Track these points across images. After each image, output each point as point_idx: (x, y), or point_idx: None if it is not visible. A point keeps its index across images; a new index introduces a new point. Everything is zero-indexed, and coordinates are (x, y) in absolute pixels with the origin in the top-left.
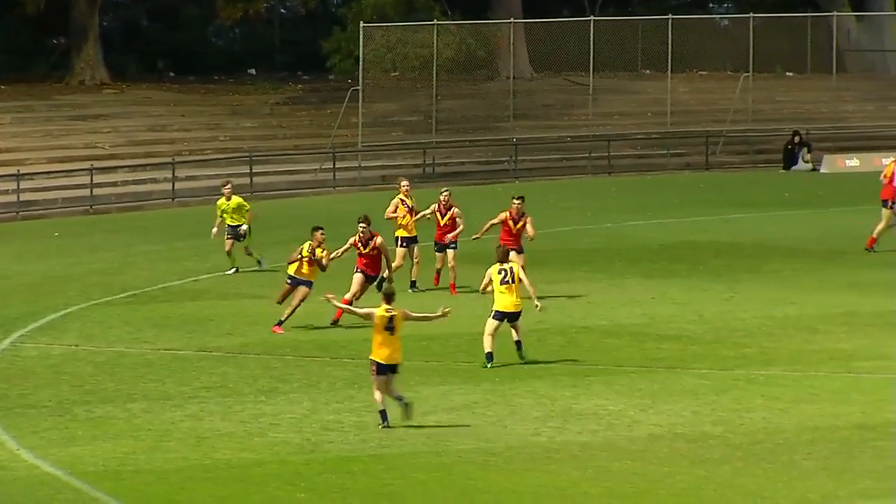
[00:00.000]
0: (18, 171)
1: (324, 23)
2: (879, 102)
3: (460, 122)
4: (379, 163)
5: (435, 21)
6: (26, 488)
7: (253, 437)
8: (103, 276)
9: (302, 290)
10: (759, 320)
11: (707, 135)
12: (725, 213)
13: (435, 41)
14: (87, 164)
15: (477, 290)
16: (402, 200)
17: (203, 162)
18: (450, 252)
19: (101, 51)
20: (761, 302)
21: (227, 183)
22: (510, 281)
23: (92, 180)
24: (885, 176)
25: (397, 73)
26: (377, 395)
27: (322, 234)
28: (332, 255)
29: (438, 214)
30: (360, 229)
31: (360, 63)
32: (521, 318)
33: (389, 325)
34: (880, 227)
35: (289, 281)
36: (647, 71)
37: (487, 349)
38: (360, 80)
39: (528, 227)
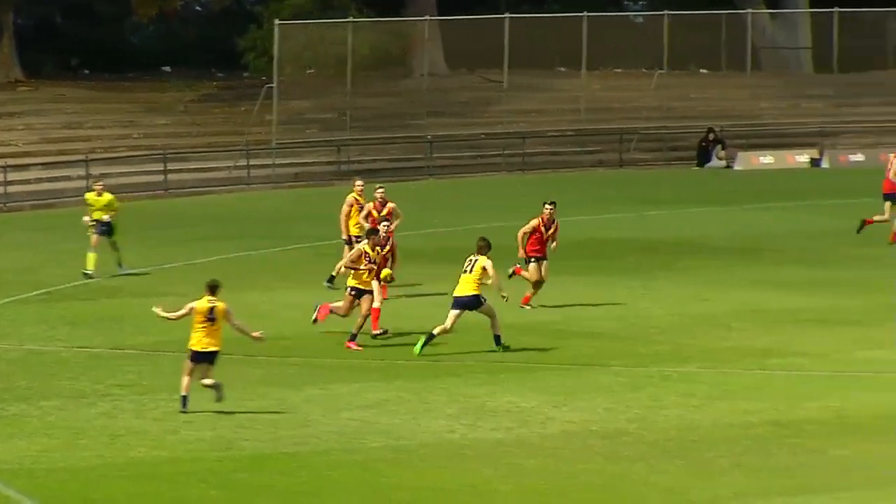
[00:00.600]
0: None
1: (240, 21)
2: (793, 100)
3: (375, 120)
4: (293, 160)
5: (350, 18)
6: None
7: (167, 435)
8: (17, 274)
9: (367, 298)
10: (673, 317)
11: (621, 132)
12: (639, 211)
13: (350, 39)
14: (0, 162)
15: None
16: (356, 200)
17: (117, 159)
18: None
19: (15, 49)
20: (675, 299)
21: (99, 180)
22: (468, 271)
23: (6, 178)
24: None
25: (312, 71)
26: (185, 380)
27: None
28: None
29: (375, 211)
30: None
31: (275, 61)
32: (489, 311)
33: (210, 316)
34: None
35: (352, 292)
36: (562, 68)
37: (434, 331)
38: (275, 77)
39: (555, 235)
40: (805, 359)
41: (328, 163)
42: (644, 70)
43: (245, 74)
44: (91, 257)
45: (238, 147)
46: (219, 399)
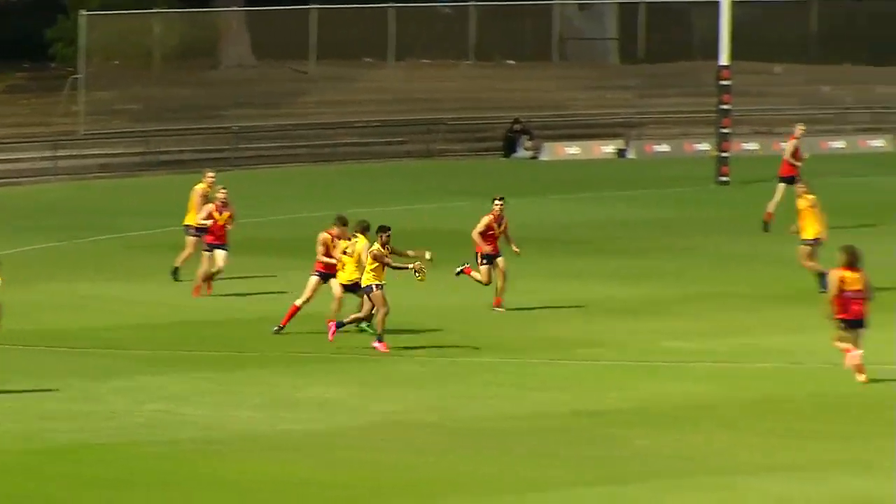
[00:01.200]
0: None
1: (47, 11)
2: (600, 91)
3: (183, 111)
4: (100, 151)
5: (157, 9)
6: None
7: None
8: None
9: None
10: (478, 308)
11: (428, 123)
12: (445, 201)
13: (157, 29)
14: None
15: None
16: (203, 192)
17: None
18: (222, 253)
19: None
20: (483, 289)
21: None
22: (349, 253)
23: None
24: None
25: (119, 62)
26: None
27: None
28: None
29: (216, 213)
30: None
31: (82, 51)
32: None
33: None
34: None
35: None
36: (370, 59)
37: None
38: (83, 68)
39: (507, 233)
40: (609, 349)
41: (136, 153)
42: (451, 61)
43: (52, 65)
44: None
45: (45, 138)
46: None
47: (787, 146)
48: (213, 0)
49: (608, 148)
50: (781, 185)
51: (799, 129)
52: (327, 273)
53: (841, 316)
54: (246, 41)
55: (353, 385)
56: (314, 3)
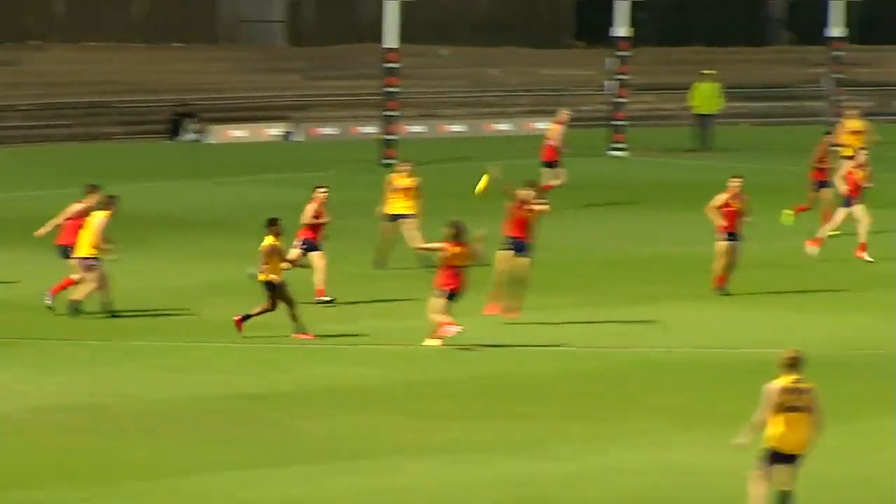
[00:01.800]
0: None
1: None
2: (266, 73)
3: None
4: None
5: None
6: None
7: None
8: None
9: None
10: (149, 291)
11: (92, 106)
12: (110, 185)
13: None
14: None
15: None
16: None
17: None
18: None
19: None
20: (149, 273)
21: None
22: None
23: None
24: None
25: None
26: None
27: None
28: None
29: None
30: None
31: None
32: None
33: None
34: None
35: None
36: (35, 41)
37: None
38: None
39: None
40: (276, 331)
41: None
42: (118, 44)
43: None
44: None
45: None
46: None
47: (553, 131)
48: None
49: (274, 131)
50: (547, 171)
51: (563, 114)
52: None
53: (447, 287)
54: None
55: (19, 368)
56: None
